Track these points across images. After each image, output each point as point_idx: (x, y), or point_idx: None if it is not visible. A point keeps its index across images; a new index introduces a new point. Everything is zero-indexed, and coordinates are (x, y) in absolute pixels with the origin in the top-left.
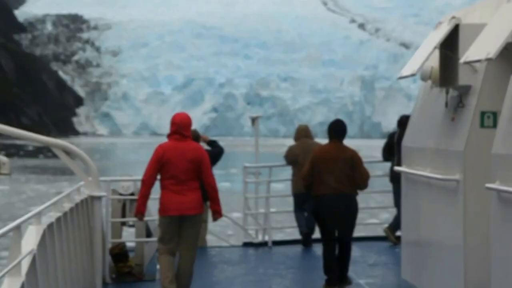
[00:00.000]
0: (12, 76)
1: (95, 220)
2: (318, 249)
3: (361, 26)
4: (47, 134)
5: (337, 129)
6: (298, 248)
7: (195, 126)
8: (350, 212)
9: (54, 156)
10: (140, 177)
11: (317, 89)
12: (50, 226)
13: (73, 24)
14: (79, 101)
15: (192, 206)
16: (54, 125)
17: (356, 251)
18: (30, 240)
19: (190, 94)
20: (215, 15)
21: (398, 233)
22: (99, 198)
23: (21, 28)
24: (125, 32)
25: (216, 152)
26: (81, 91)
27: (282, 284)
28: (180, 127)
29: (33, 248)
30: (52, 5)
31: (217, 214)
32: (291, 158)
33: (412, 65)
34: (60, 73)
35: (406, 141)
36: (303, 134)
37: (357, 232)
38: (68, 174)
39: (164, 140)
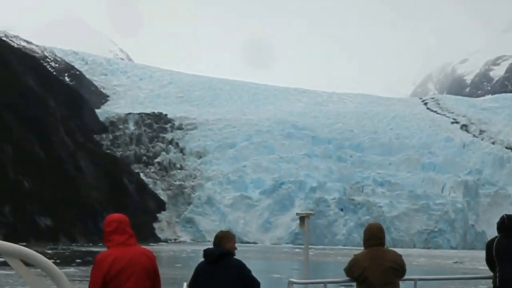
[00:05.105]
0: (91, 178)
1: None
2: None
3: (464, 127)
4: None
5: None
6: None
7: (283, 232)
8: None
9: None
10: None
11: (416, 194)
12: None
13: (157, 123)
14: (161, 206)
15: None
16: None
17: None
18: None
19: (279, 198)
20: (306, 114)
21: None
22: None
23: (102, 127)
24: (210, 132)
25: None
26: (163, 195)
27: None
28: (122, 223)
29: None
30: (135, 104)
31: None
32: (356, 271)
33: None
34: (142, 176)
35: None
36: (376, 241)
37: None
38: None
39: (254, 248)
